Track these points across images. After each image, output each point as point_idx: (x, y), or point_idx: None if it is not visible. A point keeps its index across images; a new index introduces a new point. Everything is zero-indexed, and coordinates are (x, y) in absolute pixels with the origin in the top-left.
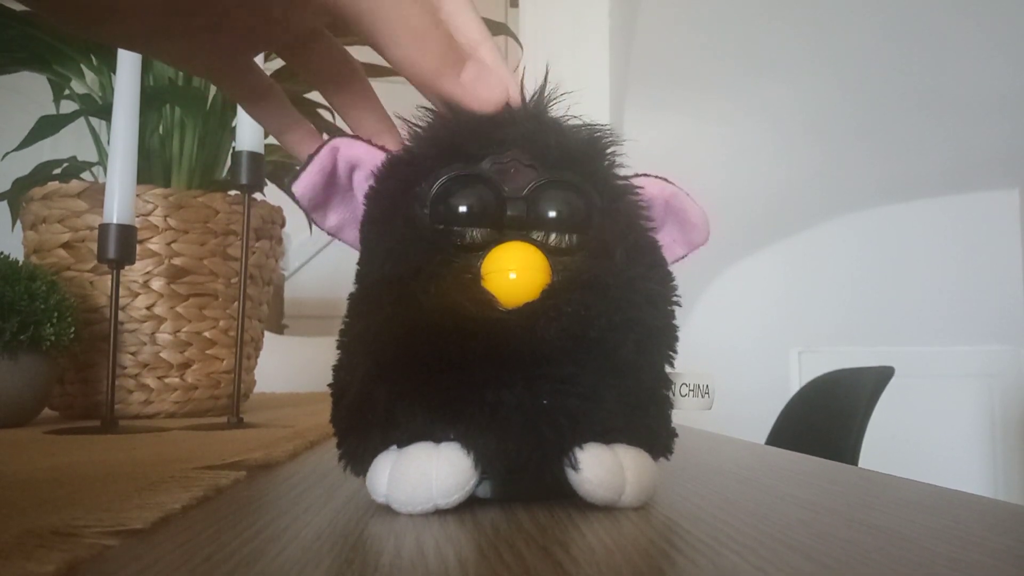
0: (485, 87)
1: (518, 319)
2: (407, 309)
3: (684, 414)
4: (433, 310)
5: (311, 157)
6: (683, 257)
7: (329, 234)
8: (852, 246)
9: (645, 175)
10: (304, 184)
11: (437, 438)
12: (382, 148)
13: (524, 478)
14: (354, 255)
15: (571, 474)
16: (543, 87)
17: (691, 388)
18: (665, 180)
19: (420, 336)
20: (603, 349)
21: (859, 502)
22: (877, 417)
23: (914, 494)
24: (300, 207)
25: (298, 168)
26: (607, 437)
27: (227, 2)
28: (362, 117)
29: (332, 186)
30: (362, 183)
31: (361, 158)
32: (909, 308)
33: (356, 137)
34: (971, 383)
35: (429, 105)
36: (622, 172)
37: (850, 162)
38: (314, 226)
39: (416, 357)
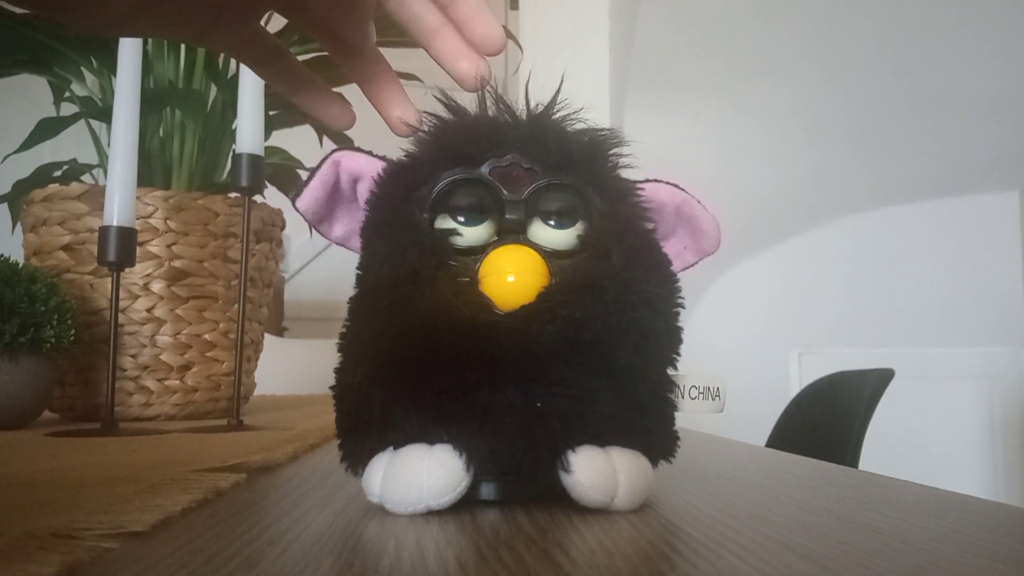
0: (480, 23)
1: (513, 322)
2: (402, 312)
3: (694, 417)
4: (428, 313)
5: (313, 172)
6: (693, 264)
7: (337, 244)
8: (852, 248)
9: (656, 180)
10: (308, 199)
11: (431, 440)
12: (382, 158)
13: (518, 480)
14: (354, 258)
15: (564, 476)
16: (555, 98)
17: (701, 391)
18: (676, 186)
19: (415, 339)
20: (599, 352)
21: (859, 504)
22: (877, 419)
23: (913, 496)
24: (305, 221)
25: (301, 184)
26: (602, 440)
27: None
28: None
29: (336, 198)
30: (365, 194)
31: (363, 169)
32: (909, 310)
33: (357, 149)
34: (971, 385)
35: (432, 110)
36: (630, 177)
37: (849, 164)
38: (314, 229)
39: (411, 359)
